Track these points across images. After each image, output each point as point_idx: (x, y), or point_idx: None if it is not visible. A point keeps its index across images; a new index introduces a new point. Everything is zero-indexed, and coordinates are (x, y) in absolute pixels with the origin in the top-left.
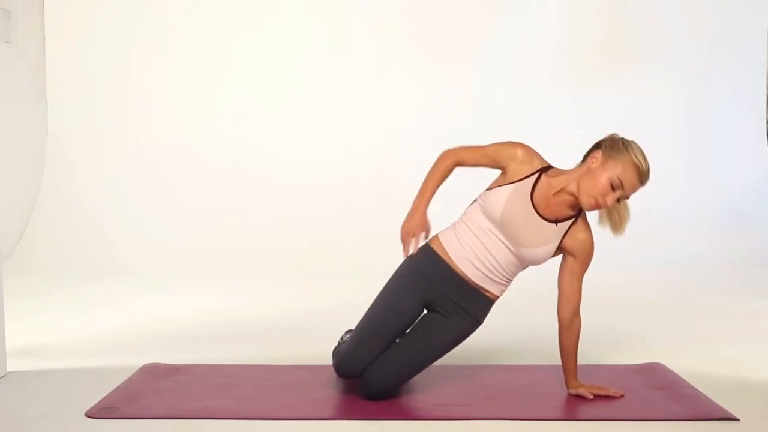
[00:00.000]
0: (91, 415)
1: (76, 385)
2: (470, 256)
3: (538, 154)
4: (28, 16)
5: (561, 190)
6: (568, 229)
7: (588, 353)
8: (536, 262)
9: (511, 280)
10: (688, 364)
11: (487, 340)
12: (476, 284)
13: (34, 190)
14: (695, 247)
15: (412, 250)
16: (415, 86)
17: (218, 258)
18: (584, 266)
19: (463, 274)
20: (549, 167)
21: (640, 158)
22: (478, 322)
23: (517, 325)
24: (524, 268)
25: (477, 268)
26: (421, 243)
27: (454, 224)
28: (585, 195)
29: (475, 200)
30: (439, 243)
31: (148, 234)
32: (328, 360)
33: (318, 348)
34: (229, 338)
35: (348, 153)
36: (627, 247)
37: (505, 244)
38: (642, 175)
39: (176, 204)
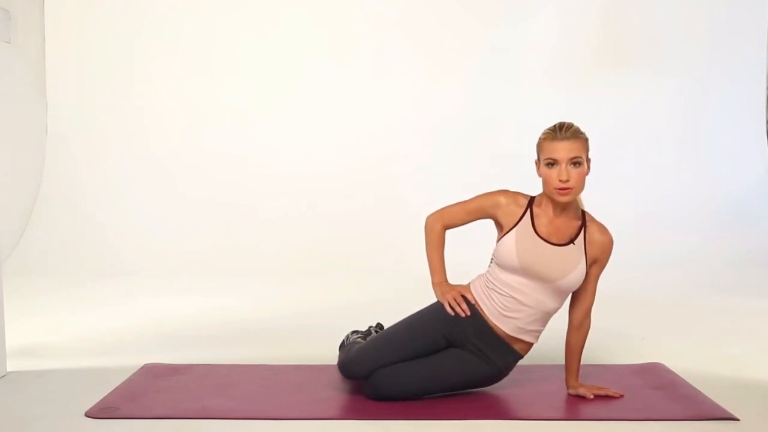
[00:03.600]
0: (91, 415)
1: (76, 385)
2: (505, 312)
3: (518, 193)
4: (28, 16)
5: (554, 209)
6: (585, 239)
7: (588, 353)
8: (574, 287)
9: (546, 324)
10: (688, 364)
11: None
12: (510, 336)
13: (34, 190)
14: (695, 247)
15: (464, 312)
16: (414, 87)
17: (218, 258)
18: (602, 268)
19: (497, 327)
20: (533, 198)
21: (546, 130)
22: (502, 373)
23: None
24: (566, 298)
25: (514, 323)
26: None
27: (485, 281)
28: (550, 193)
29: (492, 259)
30: (473, 294)
31: (148, 234)
32: (328, 360)
33: (318, 348)
34: (229, 338)
35: (347, 153)
36: (627, 247)
37: (538, 289)
38: (555, 136)
39: (176, 205)
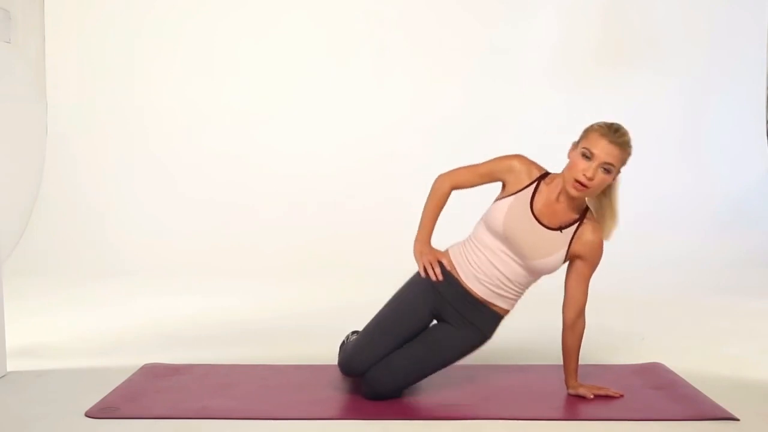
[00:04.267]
0: (91, 415)
1: (76, 385)
2: (478, 274)
3: (534, 163)
4: (28, 16)
5: (560, 193)
6: (574, 233)
7: (588, 353)
8: (548, 272)
9: (521, 293)
10: (688, 364)
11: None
12: (485, 300)
13: (34, 190)
14: (695, 247)
15: (436, 276)
16: (414, 87)
17: (218, 258)
18: (592, 268)
19: (471, 290)
20: (546, 174)
21: (602, 125)
22: (486, 337)
23: (518, 325)
24: (537, 279)
25: (485, 285)
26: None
27: (464, 241)
28: (568, 181)
29: (481, 220)
30: (449, 259)
31: (148, 234)
32: (328, 360)
33: (318, 348)
34: (229, 338)
35: (347, 153)
36: (627, 247)
37: (513, 259)
38: (607, 134)
39: (176, 204)
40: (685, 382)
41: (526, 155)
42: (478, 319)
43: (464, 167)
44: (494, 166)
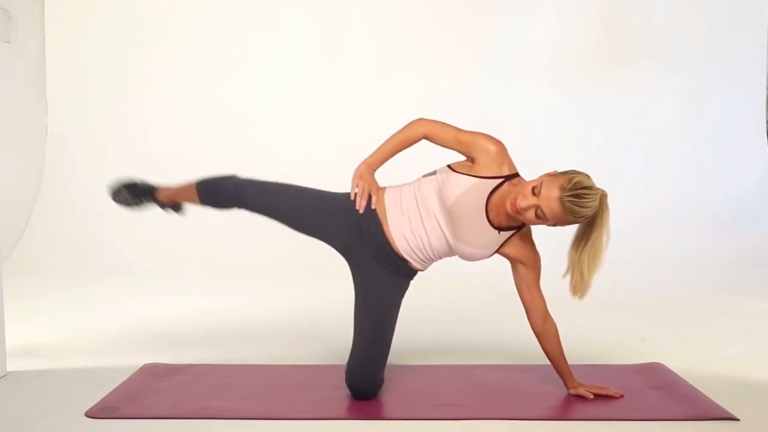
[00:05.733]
0: (91, 415)
1: (76, 385)
2: (405, 231)
3: (509, 159)
4: (28, 16)
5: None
6: (509, 238)
7: (588, 353)
8: (466, 259)
9: (433, 262)
10: (688, 364)
11: (487, 340)
12: (401, 254)
13: (34, 190)
14: (695, 247)
15: (359, 207)
16: (414, 87)
17: (218, 258)
18: (537, 273)
19: (392, 241)
20: (515, 175)
21: (572, 183)
22: (405, 282)
23: (517, 325)
24: (451, 257)
25: (407, 242)
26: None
27: (404, 187)
28: (513, 195)
29: (435, 172)
30: (383, 203)
31: (148, 234)
32: (328, 360)
33: (318, 348)
34: (229, 338)
35: (347, 153)
36: (627, 247)
37: (443, 231)
38: (566, 190)
39: None
40: (685, 382)
41: (506, 148)
42: (396, 269)
43: (449, 125)
44: (477, 141)
